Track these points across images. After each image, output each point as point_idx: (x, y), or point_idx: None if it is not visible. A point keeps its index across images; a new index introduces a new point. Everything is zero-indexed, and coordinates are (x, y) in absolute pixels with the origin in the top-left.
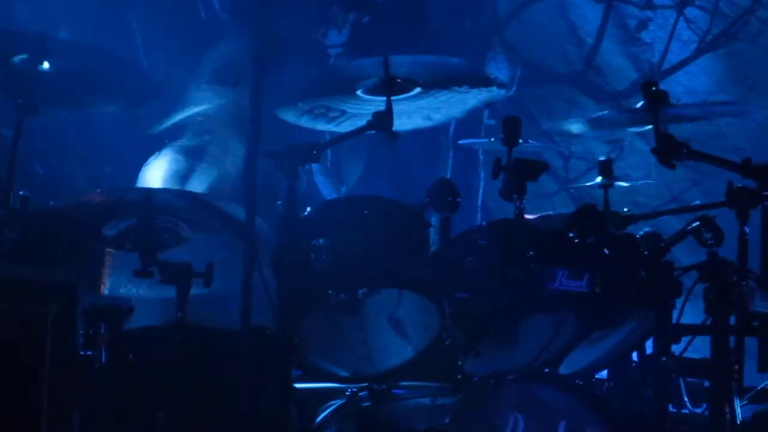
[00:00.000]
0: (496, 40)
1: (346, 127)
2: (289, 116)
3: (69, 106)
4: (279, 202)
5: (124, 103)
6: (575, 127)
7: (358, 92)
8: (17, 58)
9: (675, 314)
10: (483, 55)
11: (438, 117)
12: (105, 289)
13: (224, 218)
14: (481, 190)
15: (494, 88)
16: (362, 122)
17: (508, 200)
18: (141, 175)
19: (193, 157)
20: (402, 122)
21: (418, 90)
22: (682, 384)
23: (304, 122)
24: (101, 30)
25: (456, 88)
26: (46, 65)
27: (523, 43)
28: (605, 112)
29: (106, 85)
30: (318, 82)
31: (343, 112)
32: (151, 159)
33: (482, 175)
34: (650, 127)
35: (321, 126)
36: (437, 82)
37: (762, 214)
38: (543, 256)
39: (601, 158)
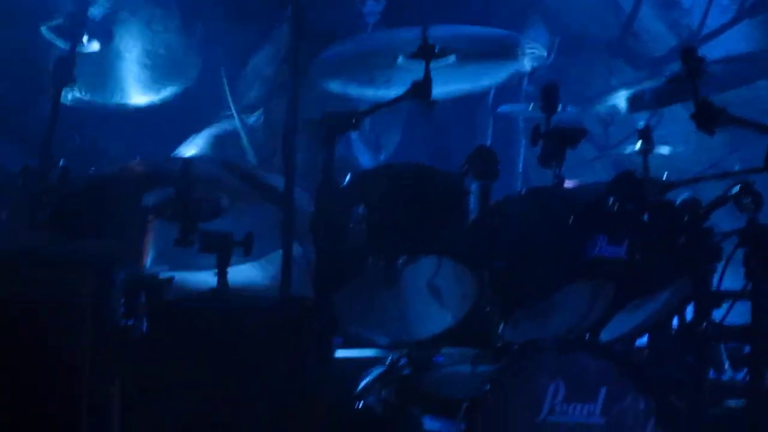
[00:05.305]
0: (535, 8)
1: (395, 92)
2: (335, 85)
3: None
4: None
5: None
6: (616, 101)
7: (399, 60)
8: (57, 30)
9: (715, 280)
10: (521, 23)
11: (483, 82)
12: (147, 260)
13: (263, 188)
14: (521, 158)
15: (532, 60)
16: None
17: (547, 167)
18: (180, 148)
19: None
20: (445, 89)
21: (455, 57)
22: (722, 350)
23: (352, 90)
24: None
25: (494, 58)
26: (85, 40)
27: (561, 11)
28: (645, 83)
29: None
30: (358, 51)
31: (389, 79)
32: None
33: (522, 142)
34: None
35: (370, 93)
36: (475, 52)
37: None
38: (582, 223)
39: (641, 125)
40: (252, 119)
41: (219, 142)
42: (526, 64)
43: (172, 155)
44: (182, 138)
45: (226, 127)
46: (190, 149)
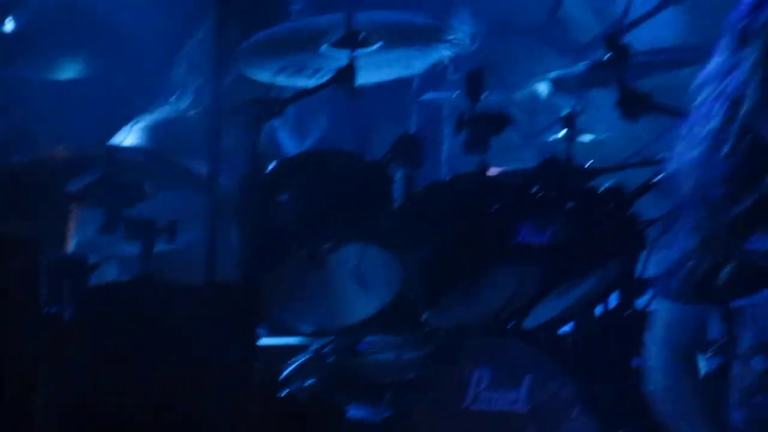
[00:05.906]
0: None
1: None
2: (263, 76)
3: (30, 66)
4: None
5: (87, 59)
6: (541, 88)
7: (323, 48)
8: None
9: (639, 267)
10: (446, 9)
11: (417, 66)
12: (71, 246)
13: (188, 175)
14: (445, 145)
15: (456, 45)
16: None
17: (471, 154)
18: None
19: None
20: (370, 76)
21: (381, 44)
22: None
23: (282, 80)
24: None
25: (419, 44)
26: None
27: None
28: (569, 70)
29: (68, 40)
30: (282, 39)
31: (320, 68)
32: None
33: (447, 129)
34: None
35: (301, 83)
36: (400, 37)
37: None
38: (506, 210)
39: (565, 112)
40: (185, 106)
41: (154, 131)
42: (449, 51)
43: (107, 143)
44: (114, 121)
45: (162, 114)
46: (125, 138)
